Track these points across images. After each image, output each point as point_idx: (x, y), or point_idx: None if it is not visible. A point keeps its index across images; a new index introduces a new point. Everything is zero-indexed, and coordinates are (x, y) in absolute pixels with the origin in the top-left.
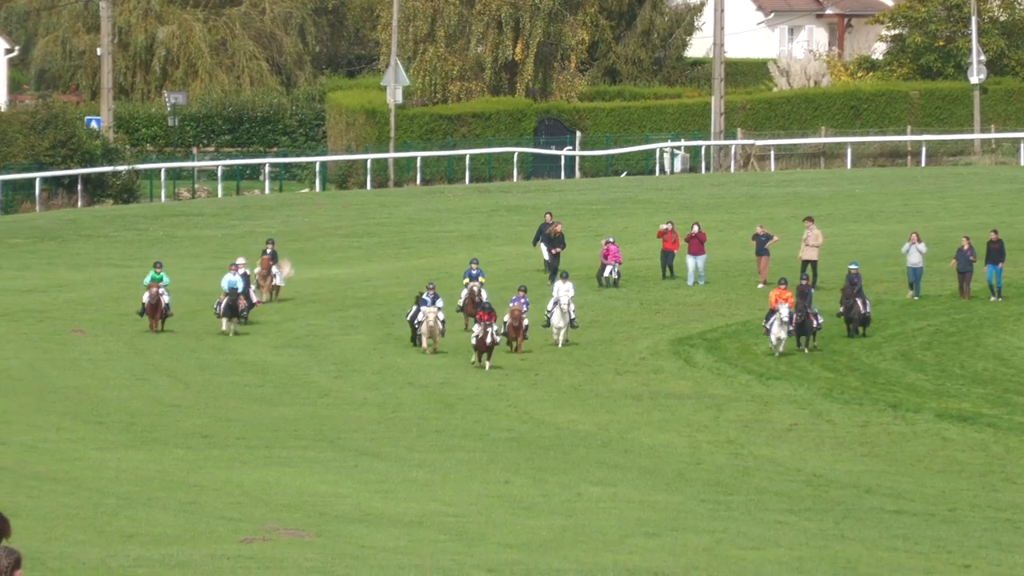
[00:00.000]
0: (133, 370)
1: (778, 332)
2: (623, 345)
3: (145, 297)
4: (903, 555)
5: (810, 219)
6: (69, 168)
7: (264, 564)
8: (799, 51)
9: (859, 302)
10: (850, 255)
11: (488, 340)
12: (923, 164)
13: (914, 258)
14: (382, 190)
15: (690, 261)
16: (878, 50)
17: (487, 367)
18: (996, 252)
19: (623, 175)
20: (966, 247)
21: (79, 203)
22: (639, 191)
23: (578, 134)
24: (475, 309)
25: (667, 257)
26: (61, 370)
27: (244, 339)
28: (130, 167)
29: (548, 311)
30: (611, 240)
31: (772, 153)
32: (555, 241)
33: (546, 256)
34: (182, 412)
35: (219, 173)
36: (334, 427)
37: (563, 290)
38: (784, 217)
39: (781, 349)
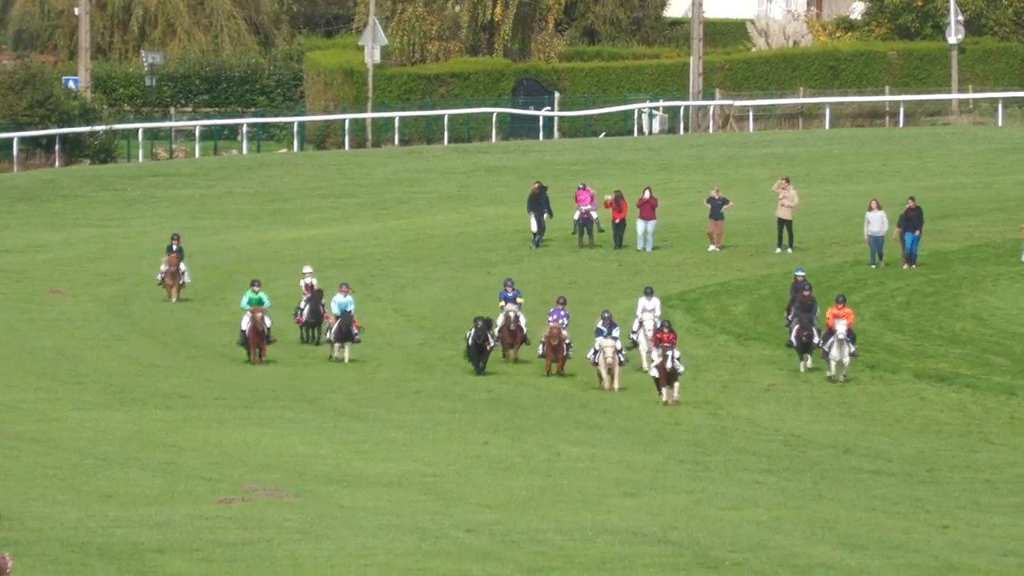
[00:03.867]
0: (111, 330)
1: (837, 354)
2: (601, 306)
3: (245, 323)
4: (881, 515)
5: (786, 179)
6: (47, 128)
7: (243, 524)
8: (777, 11)
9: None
10: (828, 215)
11: (669, 365)
12: (901, 124)
13: (875, 226)
14: (360, 150)
15: (640, 225)
16: (856, 10)
17: (674, 399)
18: (914, 220)
19: (601, 136)
20: (910, 208)
21: (57, 163)
22: (617, 152)
23: (556, 95)
24: (511, 338)
25: (617, 227)
26: (39, 330)
27: (222, 300)
28: (108, 127)
29: (633, 332)
30: (583, 185)
31: (751, 114)
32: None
33: (534, 227)
34: (160, 372)
35: (197, 133)
36: (313, 388)
37: (648, 308)
38: (763, 178)
39: (845, 375)
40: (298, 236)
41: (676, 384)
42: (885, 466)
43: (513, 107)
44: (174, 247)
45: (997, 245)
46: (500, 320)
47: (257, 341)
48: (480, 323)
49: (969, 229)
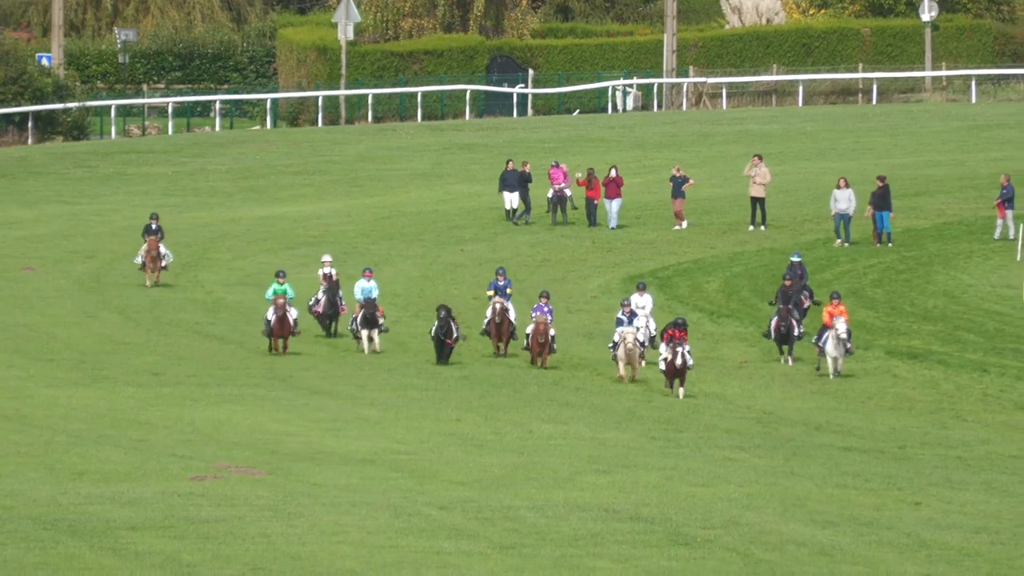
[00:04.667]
0: (84, 307)
1: (833, 351)
2: (575, 283)
3: (270, 313)
4: (853, 492)
5: (758, 156)
6: (19, 105)
7: (215, 501)
8: None
9: (804, 296)
10: (801, 193)
11: (679, 361)
12: (874, 101)
13: (842, 204)
14: (333, 127)
15: (605, 204)
16: None
17: (681, 395)
18: (883, 198)
19: (575, 113)
20: (879, 187)
21: (29, 140)
22: (591, 129)
23: (530, 72)
24: (499, 331)
25: (589, 205)
26: (11, 308)
27: (194, 277)
28: (80, 104)
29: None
30: (556, 163)
31: (724, 91)
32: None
33: (508, 205)
34: (133, 350)
35: (170, 110)
36: (286, 365)
37: (640, 304)
38: (736, 155)
39: (839, 369)
40: (271, 213)
41: (684, 380)
42: (857, 443)
43: (487, 84)
44: (153, 226)
45: (969, 223)
46: (488, 313)
47: (281, 332)
48: (443, 312)
49: (942, 206)
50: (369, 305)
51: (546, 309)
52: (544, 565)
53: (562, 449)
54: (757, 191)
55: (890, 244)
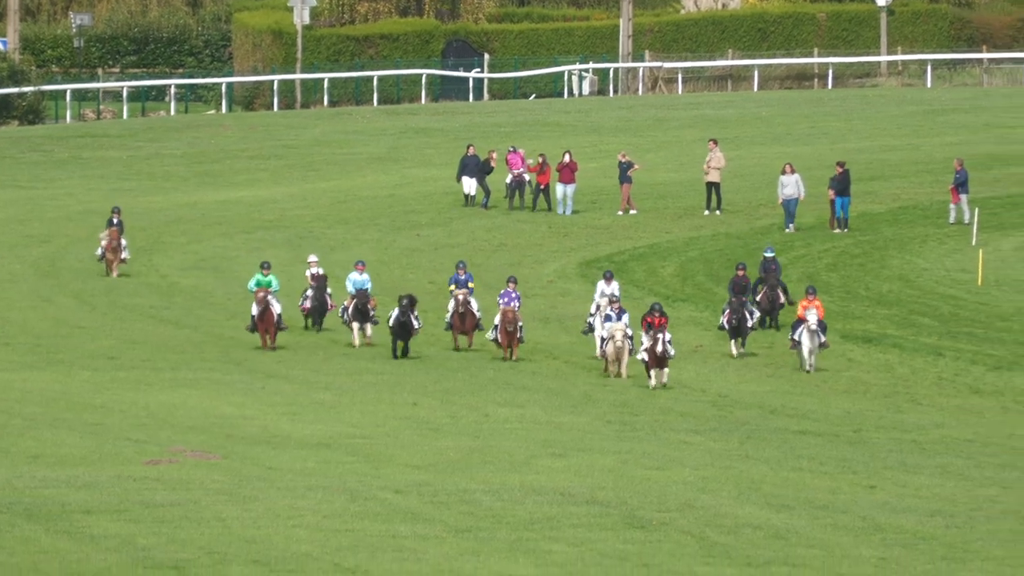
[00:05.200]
0: (38, 291)
1: (808, 344)
2: (531, 268)
3: (253, 308)
4: (808, 475)
5: (714, 141)
6: None
7: (170, 486)
8: None
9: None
10: (756, 178)
11: (660, 349)
12: (830, 86)
13: (789, 189)
14: (289, 112)
15: (559, 189)
16: None
17: (663, 384)
18: (843, 183)
19: (531, 98)
20: (839, 172)
21: None
22: (547, 114)
23: (486, 56)
24: (463, 324)
25: (537, 190)
26: None
27: (149, 262)
28: (36, 88)
29: (590, 316)
30: (513, 148)
31: (680, 76)
32: (485, 168)
33: (467, 190)
34: (87, 333)
35: (124, 94)
36: (241, 349)
37: (606, 292)
38: (692, 140)
39: (813, 363)
40: (226, 198)
41: (666, 369)
42: (812, 426)
43: (443, 69)
44: (115, 220)
45: (924, 207)
46: (450, 305)
47: (264, 325)
48: (404, 301)
49: (897, 191)
50: (361, 296)
51: (514, 295)
52: (500, 548)
53: (518, 433)
54: (712, 176)
55: (846, 230)
